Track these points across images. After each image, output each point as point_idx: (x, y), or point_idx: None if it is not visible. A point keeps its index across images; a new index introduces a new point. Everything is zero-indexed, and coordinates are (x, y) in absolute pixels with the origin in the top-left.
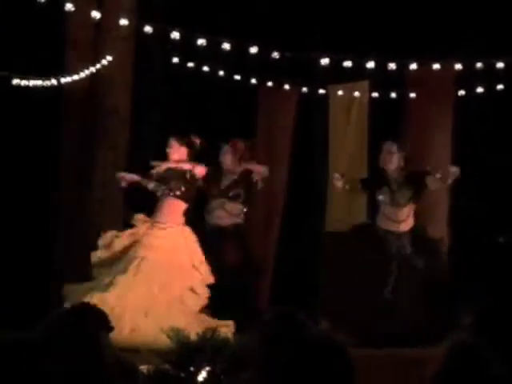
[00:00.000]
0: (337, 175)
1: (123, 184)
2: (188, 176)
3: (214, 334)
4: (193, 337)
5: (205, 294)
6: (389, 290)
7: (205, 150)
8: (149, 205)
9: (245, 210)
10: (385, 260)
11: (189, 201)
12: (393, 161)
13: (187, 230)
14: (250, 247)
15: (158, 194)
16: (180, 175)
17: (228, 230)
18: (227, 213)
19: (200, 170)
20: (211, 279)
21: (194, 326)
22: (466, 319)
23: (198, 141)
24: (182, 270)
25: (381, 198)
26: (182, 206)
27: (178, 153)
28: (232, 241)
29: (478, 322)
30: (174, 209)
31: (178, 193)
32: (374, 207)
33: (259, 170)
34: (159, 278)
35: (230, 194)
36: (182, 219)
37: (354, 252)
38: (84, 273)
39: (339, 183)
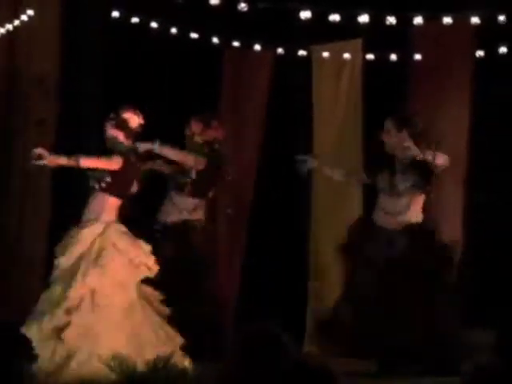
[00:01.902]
0: (310, 158)
1: (40, 162)
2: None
3: (168, 364)
4: (140, 366)
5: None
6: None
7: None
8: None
9: (195, 203)
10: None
11: (122, 195)
12: (389, 142)
13: (113, 229)
14: (193, 250)
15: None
16: None
17: (174, 228)
18: (176, 207)
19: (108, 164)
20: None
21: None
22: (484, 339)
23: (133, 116)
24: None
25: (380, 185)
26: (111, 201)
27: (116, 136)
28: (173, 241)
29: (502, 342)
30: (102, 205)
31: (103, 184)
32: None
33: (183, 160)
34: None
35: (174, 184)
36: (112, 216)
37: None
38: None
39: (328, 171)
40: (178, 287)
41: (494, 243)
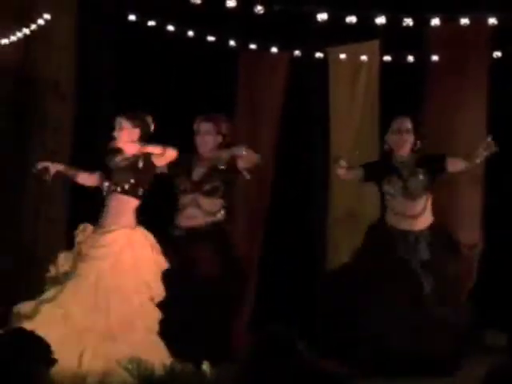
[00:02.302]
0: (343, 162)
1: (47, 177)
2: (141, 165)
3: (186, 367)
4: (158, 369)
5: (155, 314)
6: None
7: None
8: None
9: (224, 204)
10: (407, 270)
11: (141, 196)
12: (408, 142)
13: (138, 233)
14: (232, 251)
15: (104, 190)
16: (130, 164)
17: (203, 231)
18: (202, 211)
19: (171, 154)
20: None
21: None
22: (496, 341)
23: (150, 119)
24: (126, 287)
25: (388, 189)
26: (132, 203)
27: (130, 135)
28: (208, 243)
29: None
30: (122, 207)
31: (126, 187)
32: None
33: (250, 158)
34: (100, 301)
35: (206, 188)
36: (131, 219)
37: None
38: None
39: (342, 172)
40: (206, 289)
41: (510, 245)
